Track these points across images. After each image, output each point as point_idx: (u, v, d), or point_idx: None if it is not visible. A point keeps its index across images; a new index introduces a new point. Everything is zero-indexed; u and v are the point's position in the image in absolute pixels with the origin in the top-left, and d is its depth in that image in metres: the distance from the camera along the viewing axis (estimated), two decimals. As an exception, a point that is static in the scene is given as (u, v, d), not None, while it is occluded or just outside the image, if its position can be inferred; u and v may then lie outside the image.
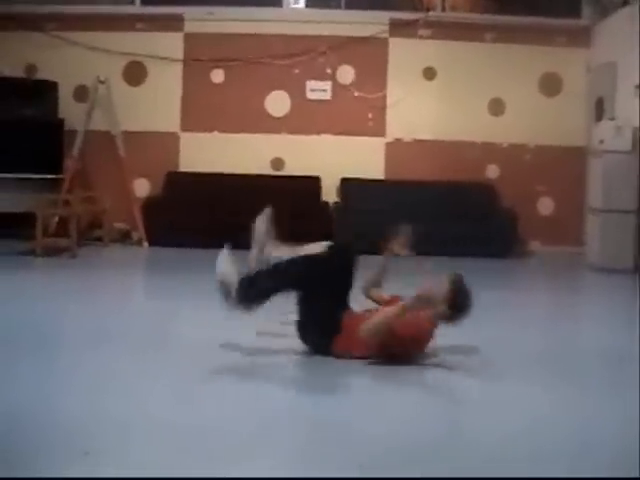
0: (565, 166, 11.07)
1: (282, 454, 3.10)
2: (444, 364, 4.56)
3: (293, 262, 4.64)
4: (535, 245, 11.06)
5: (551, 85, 11.19)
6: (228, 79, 11.05)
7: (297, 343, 4.61)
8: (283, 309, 4.74)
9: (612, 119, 9.79)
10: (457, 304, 4.48)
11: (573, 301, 7.61)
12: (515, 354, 4.90)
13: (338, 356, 4.46)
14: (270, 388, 3.98)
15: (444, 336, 4.65)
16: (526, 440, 3.33)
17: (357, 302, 4.86)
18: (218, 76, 11.12)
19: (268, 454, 3.06)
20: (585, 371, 4.68)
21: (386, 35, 11.13)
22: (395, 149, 11.15)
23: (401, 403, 3.83)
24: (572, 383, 4.27)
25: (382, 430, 3.35)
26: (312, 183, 10.90)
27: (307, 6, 11.50)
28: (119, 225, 10.85)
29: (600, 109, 10.58)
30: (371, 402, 3.84)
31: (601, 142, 9.48)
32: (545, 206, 11.19)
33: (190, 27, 11.16)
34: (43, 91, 10.62)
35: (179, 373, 4.23)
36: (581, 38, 11.11)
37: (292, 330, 4.64)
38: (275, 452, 3.10)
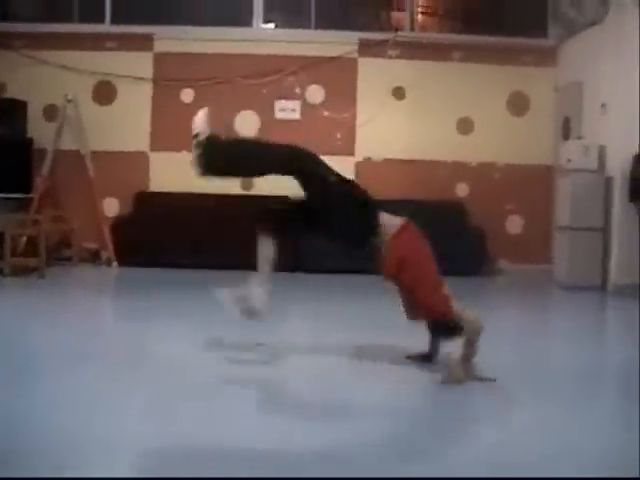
0: (533, 185, 11.17)
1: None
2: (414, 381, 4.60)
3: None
4: (504, 263, 11.13)
5: (519, 104, 11.29)
6: (198, 99, 11.04)
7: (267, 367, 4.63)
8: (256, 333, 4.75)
9: (579, 138, 9.91)
10: None
11: (542, 319, 7.69)
12: (484, 371, 4.93)
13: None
14: (241, 406, 3.98)
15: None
16: (512, 449, 3.41)
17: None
18: (188, 96, 11.13)
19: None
20: (556, 385, 4.69)
21: (355, 55, 11.19)
22: (365, 168, 11.20)
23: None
24: (544, 398, 4.32)
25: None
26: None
27: (277, 26, 11.55)
28: (88, 245, 10.83)
29: (567, 128, 10.69)
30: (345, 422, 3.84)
31: (568, 161, 9.58)
32: (514, 224, 11.27)
33: (160, 46, 11.17)
34: (12, 110, 10.57)
35: (152, 392, 4.24)
36: (548, 57, 11.23)
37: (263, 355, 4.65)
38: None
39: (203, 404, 4.00)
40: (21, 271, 9.07)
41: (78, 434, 3.45)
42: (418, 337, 5.01)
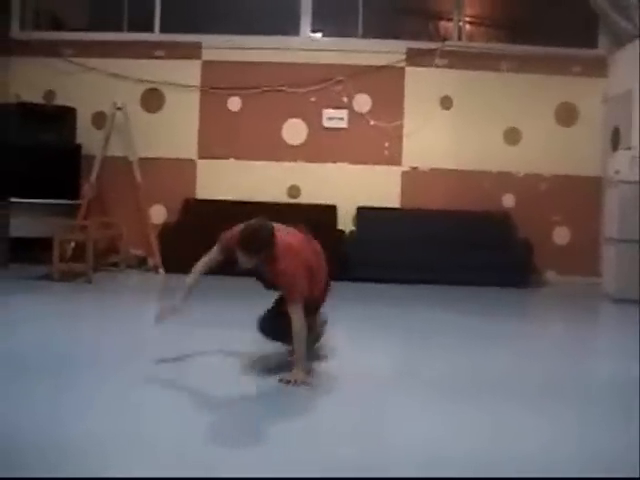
0: (581, 196, 11.06)
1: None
2: (454, 393, 4.57)
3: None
4: (551, 275, 11.03)
5: (567, 115, 11.19)
6: (245, 107, 11.10)
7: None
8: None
9: (628, 149, 9.77)
10: None
11: (589, 332, 7.56)
12: (530, 384, 4.89)
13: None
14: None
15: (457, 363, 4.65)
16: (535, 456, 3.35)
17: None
18: (235, 104, 11.17)
19: None
20: (598, 398, 4.65)
21: (403, 64, 11.17)
22: (411, 178, 11.16)
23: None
24: (584, 411, 4.27)
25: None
26: (328, 211, 10.91)
27: (324, 35, 11.56)
28: (135, 251, 10.89)
29: (616, 139, 10.59)
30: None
31: (617, 172, 9.46)
32: (561, 236, 11.17)
33: (208, 55, 11.22)
34: (61, 117, 10.68)
35: (194, 397, 4.25)
36: (597, 68, 11.12)
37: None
38: None
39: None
40: (69, 276, 9.12)
41: (121, 437, 3.47)
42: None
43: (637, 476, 3.05)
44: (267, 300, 4.99)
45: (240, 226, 4.74)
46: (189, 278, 5.00)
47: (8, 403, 3.95)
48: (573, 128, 11.20)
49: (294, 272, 4.65)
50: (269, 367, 4.93)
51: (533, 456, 3.42)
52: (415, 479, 3.04)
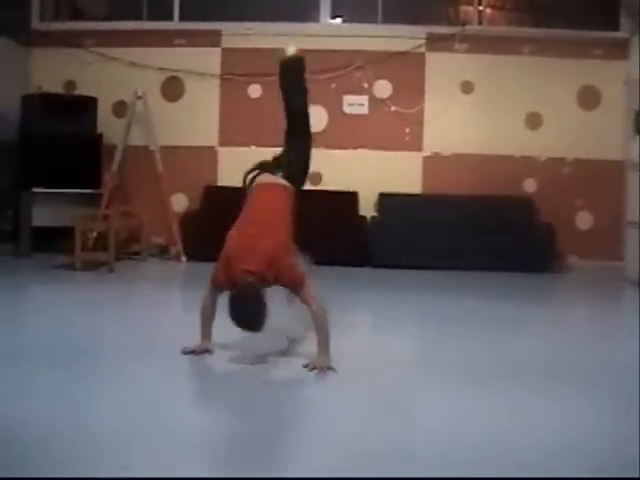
0: (603, 180, 11.00)
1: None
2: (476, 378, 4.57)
3: None
4: (573, 259, 10.98)
5: (589, 98, 11.12)
6: (265, 94, 11.06)
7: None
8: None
9: (651, 132, 9.73)
10: None
11: (611, 317, 7.51)
12: (551, 368, 4.88)
13: None
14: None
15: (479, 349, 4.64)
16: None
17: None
18: (255, 91, 11.17)
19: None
20: (618, 383, 4.61)
21: (423, 49, 11.13)
22: (432, 163, 11.14)
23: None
24: (603, 398, 4.21)
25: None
26: (350, 198, 10.91)
27: (344, 21, 11.53)
28: (157, 240, 10.93)
29: (639, 122, 10.50)
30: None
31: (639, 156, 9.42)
32: (583, 220, 11.11)
33: (227, 42, 11.22)
34: (83, 107, 10.71)
35: (216, 384, 4.26)
36: (619, 50, 11.01)
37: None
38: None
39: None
40: (91, 265, 9.15)
41: (140, 429, 3.46)
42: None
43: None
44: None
45: (221, 262, 4.73)
46: (204, 328, 4.93)
47: (27, 392, 3.96)
48: (595, 112, 11.12)
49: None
50: (294, 354, 4.94)
51: (548, 443, 3.40)
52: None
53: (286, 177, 5.09)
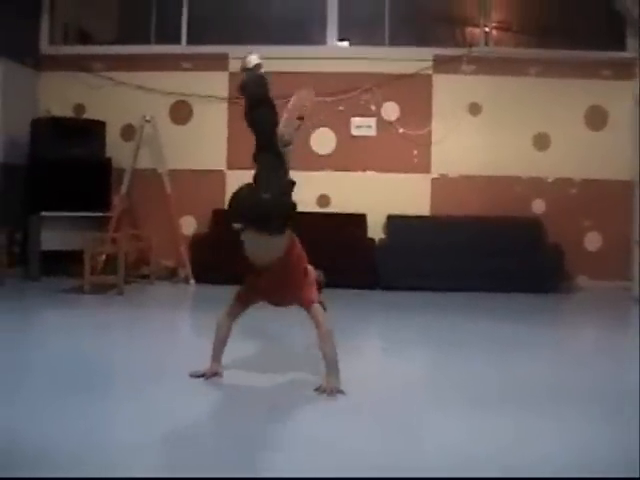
0: (612, 200, 10.98)
1: None
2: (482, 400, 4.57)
3: None
4: (582, 280, 10.95)
5: (597, 118, 11.12)
6: (273, 117, 11.11)
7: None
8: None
9: (659, 152, 9.73)
10: None
11: (621, 336, 7.48)
12: (556, 390, 4.88)
13: None
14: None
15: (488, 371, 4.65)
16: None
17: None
18: (263, 114, 11.17)
19: None
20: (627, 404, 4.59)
21: (430, 71, 11.15)
22: (441, 185, 11.14)
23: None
24: (610, 419, 4.23)
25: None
26: (358, 220, 10.90)
27: (351, 44, 11.57)
28: (166, 262, 10.94)
29: (647, 142, 10.52)
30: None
31: (647, 176, 9.43)
32: (592, 241, 11.09)
33: (235, 66, 11.22)
34: (91, 131, 10.74)
35: (226, 408, 4.25)
36: (626, 70, 11.02)
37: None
38: None
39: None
40: (100, 288, 9.17)
41: (151, 451, 3.47)
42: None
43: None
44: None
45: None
46: (216, 350, 4.92)
47: (37, 415, 3.97)
48: (603, 132, 11.11)
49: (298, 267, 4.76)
50: (303, 379, 4.93)
51: (549, 462, 3.44)
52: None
53: (273, 205, 4.76)
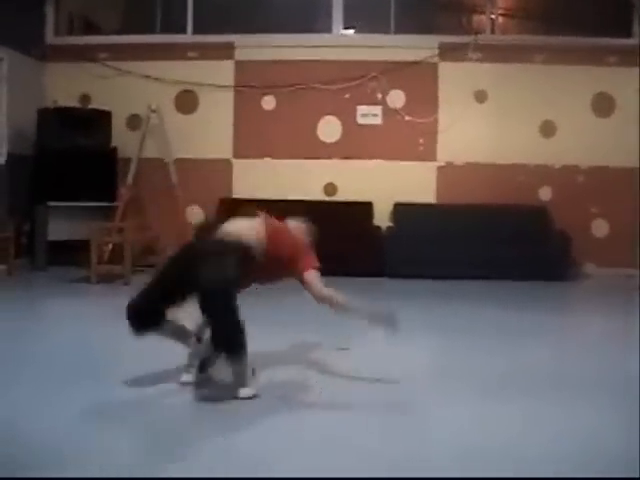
0: (619, 187, 10.95)
1: None
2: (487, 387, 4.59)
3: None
4: (590, 267, 10.94)
5: (603, 105, 11.09)
6: (279, 106, 11.12)
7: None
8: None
9: (665, 139, 9.70)
10: None
11: (628, 323, 7.47)
12: (562, 377, 4.90)
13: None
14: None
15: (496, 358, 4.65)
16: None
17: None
18: (269, 103, 11.20)
19: None
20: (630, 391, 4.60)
21: (436, 59, 11.13)
22: (447, 173, 11.13)
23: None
24: (615, 404, 4.26)
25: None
26: (365, 208, 10.91)
27: (356, 32, 11.54)
28: (172, 252, 10.91)
29: (653, 129, 10.50)
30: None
31: (654, 162, 9.41)
32: (599, 228, 11.07)
33: (241, 55, 11.25)
34: (97, 120, 10.74)
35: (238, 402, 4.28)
36: (633, 57, 10.97)
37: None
38: None
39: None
40: (107, 278, 9.21)
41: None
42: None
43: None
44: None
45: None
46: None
47: (42, 404, 4.02)
48: (609, 119, 11.09)
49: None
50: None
51: (555, 449, 3.46)
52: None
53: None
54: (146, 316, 4.36)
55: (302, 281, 4.57)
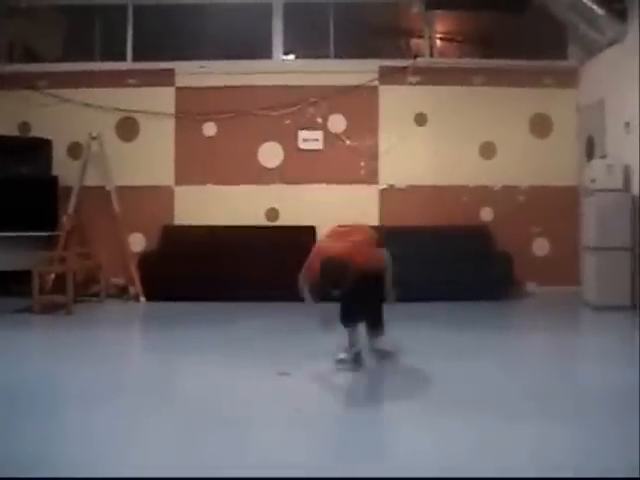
0: (559, 206, 11.11)
1: None
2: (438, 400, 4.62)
3: None
4: (531, 286, 11.06)
5: (541, 126, 11.26)
6: (220, 132, 11.13)
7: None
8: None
9: (603, 157, 9.84)
10: None
11: (572, 340, 7.58)
12: (512, 393, 4.94)
13: None
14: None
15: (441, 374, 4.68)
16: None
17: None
18: (210, 129, 11.19)
19: None
20: (583, 405, 4.67)
21: (376, 83, 11.21)
22: (389, 195, 11.19)
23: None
24: (570, 416, 4.36)
25: None
26: (308, 232, 10.89)
27: (297, 57, 11.59)
28: (116, 280, 10.87)
29: (591, 148, 10.65)
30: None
31: (593, 181, 9.53)
32: (540, 247, 11.20)
33: (181, 81, 11.24)
34: (37, 149, 10.68)
35: (180, 425, 4.24)
36: (569, 79, 11.21)
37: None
38: None
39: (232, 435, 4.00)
40: (49, 308, 9.10)
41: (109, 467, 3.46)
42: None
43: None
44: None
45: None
46: None
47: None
48: (548, 139, 11.26)
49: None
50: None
51: (529, 461, 3.56)
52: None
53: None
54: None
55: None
